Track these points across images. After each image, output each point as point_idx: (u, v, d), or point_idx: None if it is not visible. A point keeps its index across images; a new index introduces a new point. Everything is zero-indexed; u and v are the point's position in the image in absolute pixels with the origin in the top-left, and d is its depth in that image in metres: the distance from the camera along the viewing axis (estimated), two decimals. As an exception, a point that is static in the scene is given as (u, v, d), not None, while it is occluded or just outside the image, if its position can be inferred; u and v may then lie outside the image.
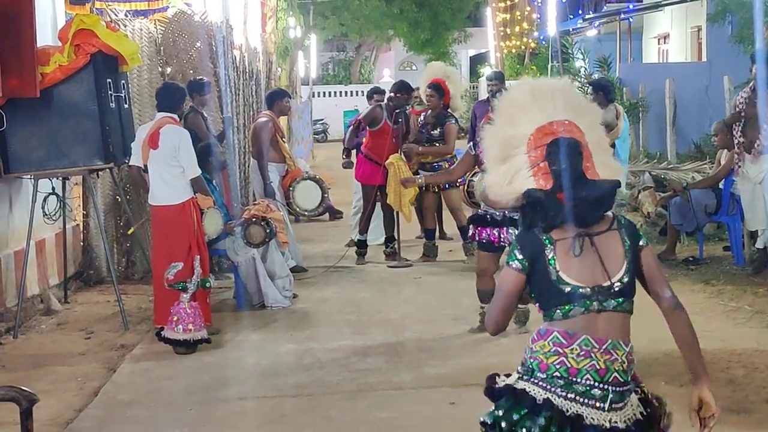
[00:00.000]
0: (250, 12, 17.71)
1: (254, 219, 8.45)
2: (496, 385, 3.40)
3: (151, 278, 8.50)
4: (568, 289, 3.27)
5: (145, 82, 10.12)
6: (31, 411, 3.33)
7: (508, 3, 36.10)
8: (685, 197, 9.83)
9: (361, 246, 10.82)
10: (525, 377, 3.32)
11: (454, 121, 10.81)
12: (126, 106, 8.71)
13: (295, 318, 8.37)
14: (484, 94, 18.11)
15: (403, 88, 10.81)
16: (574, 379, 3.24)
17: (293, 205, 10.23)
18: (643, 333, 7.22)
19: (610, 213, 3.39)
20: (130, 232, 9.13)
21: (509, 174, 3.40)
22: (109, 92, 8.26)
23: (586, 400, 3.23)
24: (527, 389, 3.29)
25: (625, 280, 3.34)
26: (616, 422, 3.25)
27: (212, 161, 8.55)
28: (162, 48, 10.34)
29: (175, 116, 7.74)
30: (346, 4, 32.64)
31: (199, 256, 7.39)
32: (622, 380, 3.29)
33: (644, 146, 17.39)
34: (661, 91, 16.75)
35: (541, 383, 3.27)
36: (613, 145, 9.64)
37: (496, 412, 3.33)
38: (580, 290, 3.27)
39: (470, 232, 7.56)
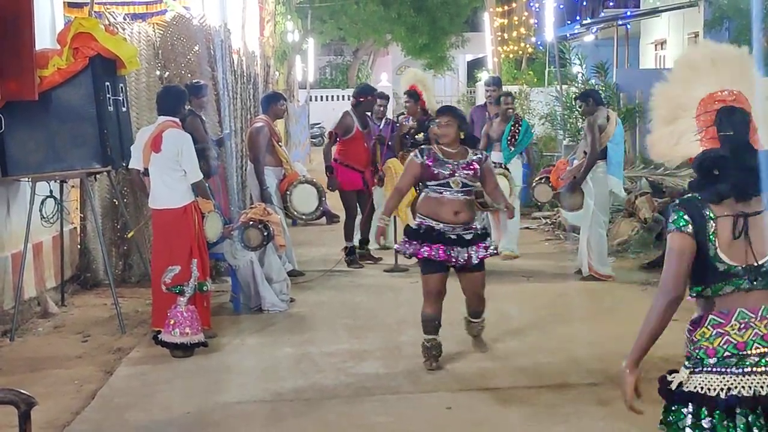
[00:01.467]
0: (249, 16, 17.71)
1: (252, 222, 8.46)
2: (670, 387, 3.43)
3: (148, 282, 8.51)
4: (723, 267, 3.34)
5: (143, 86, 10.12)
6: (30, 414, 3.34)
7: (506, 8, 36.19)
8: (682, 203, 9.83)
9: (351, 253, 10.88)
10: (696, 369, 3.37)
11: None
12: (124, 109, 8.72)
13: (292, 322, 8.37)
14: (481, 99, 18.09)
15: (367, 92, 10.99)
16: (745, 353, 3.29)
17: (290, 208, 10.23)
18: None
19: None
20: (129, 235, 9.13)
21: (675, 135, 3.46)
22: (108, 95, 8.26)
23: (764, 368, 3.27)
24: (706, 389, 3.31)
25: None
26: None
27: (204, 165, 8.55)
28: (160, 51, 10.34)
29: (177, 120, 7.74)
30: (344, 8, 32.66)
31: (196, 260, 7.39)
32: None
33: (641, 152, 17.41)
34: (658, 97, 16.75)
35: (714, 369, 3.31)
36: (605, 149, 9.74)
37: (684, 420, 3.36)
38: (734, 269, 3.33)
39: (409, 249, 6.79)
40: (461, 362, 7.02)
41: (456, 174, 6.78)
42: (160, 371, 6.94)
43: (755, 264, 3.34)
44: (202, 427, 5.81)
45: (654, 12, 23.76)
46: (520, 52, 36.70)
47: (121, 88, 8.65)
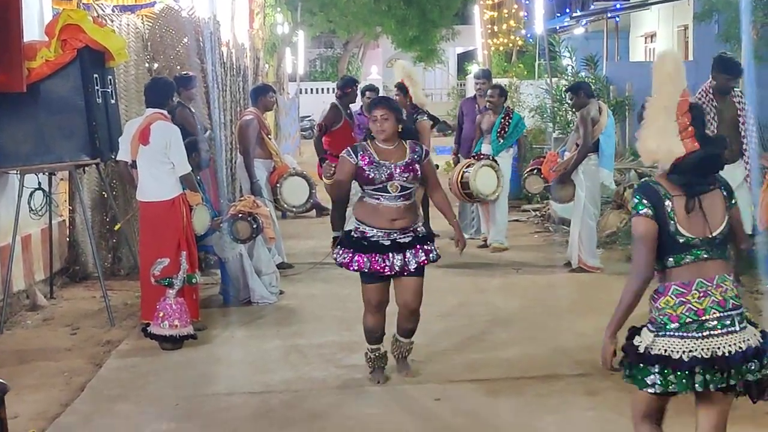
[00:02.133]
0: (238, 8, 17.69)
1: (241, 215, 8.45)
2: (638, 349, 3.91)
3: (137, 274, 8.50)
4: (683, 240, 3.85)
5: (131, 78, 10.10)
6: (3, 400, 3.31)
7: (496, 1, 36.17)
8: (670, 195, 9.84)
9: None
10: (660, 333, 3.86)
11: (425, 117, 10.86)
12: (113, 101, 8.69)
13: (281, 314, 8.38)
14: (471, 92, 18.09)
15: (349, 84, 11.08)
16: (704, 318, 3.81)
17: (280, 201, 10.24)
18: (625, 328, 7.28)
19: None
20: (117, 227, 9.10)
21: (666, 138, 3.87)
22: (96, 87, 8.23)
23: (720, 330, 3.80)
24: (670, 352, 3.81)
25: (726, 231, 3.94)
26: (748, 339, 3.82)
27: (196, 157, 8.55)
28: (149, 44, 10.32)
29: (165, 112, 7.72)
30: (334, 0, 32.61)
31: (185, 252, 7.38)
32: (738, 303, 3.88)
33: (630, 144, 17.44)
34: (648, 89, 16.69)
35: (677, 334, 3.82)
36: (597, 141, 9.76)
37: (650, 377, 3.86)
38: (692, 241, 3.86)
39: (342, 258, 6.18)
40: (450, 354, 7.03)
41: (394, 178, 6.05)
42: (149, 363, 6.94)
43: (709, 236, 3.87)
44: (191, 419, 5.81)
45: (644, 5, 23.79)
46: (510, 45, 36.68)
47: (110, 80, 8.62)
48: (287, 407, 5.99)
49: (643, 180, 4.08)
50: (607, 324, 3.97)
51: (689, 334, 3.78)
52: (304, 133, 32.36)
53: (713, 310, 3.80)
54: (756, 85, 9.54)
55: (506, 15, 36.31)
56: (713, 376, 3.76)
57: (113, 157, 8.33)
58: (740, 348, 3.76)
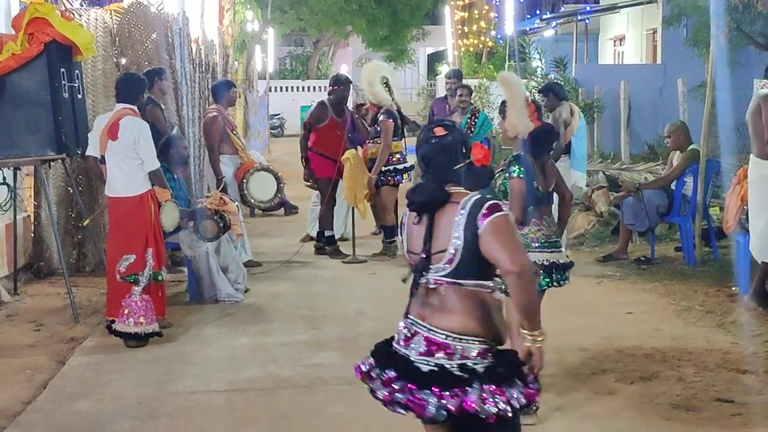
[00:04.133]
0: (208, 4, 17.62)
1: (207, 214, 8.40)
2: None
3: (102, 271, 8.43)
4: (539, 193, 5.79)
5: (99, 73, 10.01)
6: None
7: (467, 1, 36.23)
8: (637, 197, 9.92)
9: (331, 242, 10.83)
10: (528, 250, 5.42)
11: (387, 117, 10.73)
12: (80, 96, 8.60)
13: (248, 312, 8.33)
14: (441, 92, 18.08)
15: (339, 81, 10.98)
16: (550, 240, 5.86)
17: (247, 196, 10.16)
18: (596, 331, 7.31)
19: None
20: (85, 223, 9.00)
21: (523, 119, 5.69)
22: (63, 82, 8.15)
23: (553, 246, 5.92)
24: (535, 260, 5.51)
25: (553, 187, 6.15)
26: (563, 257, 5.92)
27: (173, 154, 8.50)
28: (117, 39, 10.23)
29: (135, 108, 7.66)
30: (305, -2, 32.59)
31: (152, 249, 7.33)
32: (554, 232, 5.99)
33: (598, 146, 17.52)
34: (616, 92, 16.85)
35: (537, 249, 5.74)
36: (569, 143, 9.80)
37: None
38: (542, 193, 5.84)
39: None
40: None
41: None
42: (113, 361, 6.87)
43: (548, 190, 5.86)
44: (155, 417, 5.76)
45: (613, 8, 23.93)
46: (481, 46, 36.75)
47: (77, 74, 8.53)
48: (252, 405, 5.95)
49: (516, 154, 5.68)
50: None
51: (544, 250, 5.71)
52: (273, 131, 32.27)
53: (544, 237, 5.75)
54: (727, 89, 9.62)
55: (477, 16, 36.38)
56: (550, 277, 5.78)
57: (79, 152, 8.26)
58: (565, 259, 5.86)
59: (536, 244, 5.67)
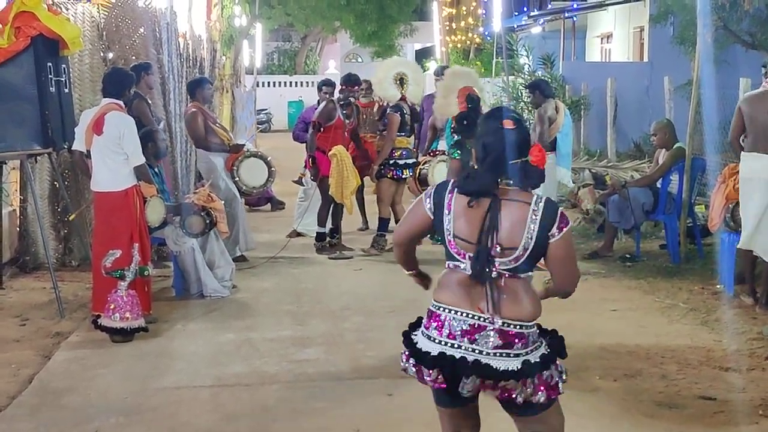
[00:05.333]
0: (196, -1, 17.56)
1: (194, 209, 8.41)
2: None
3: (88, 265, 8.41)
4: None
5: (86, 67, 9.99)
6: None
7: (455, -2, 36.26)
8: (623, 195, 9.95)
9: (320, 239, 10.82)
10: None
11: (395, 111, 10.84)
12: (66, 90, 8.58)
13: (234, 308, 8.34)
14: (430, 88, 18.08)
15: (349, 81, 11.08)
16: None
17: (239, 183, 10.12)
18: (579, 328, 7.34)
19: None
20: (71, 218, 8.98)
21: (453, 103, 7.79)
22: (50, 76, 8.12)
23: None
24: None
25: None
26: None
27: (152, 147, 8.48)
28: (104, 33, 10.21)
29: (121, 103, 7.65)
30: (293, -6, 32.54)
31: (137, 244, 7.32)
32: None
33: (585, 144, 17.60)
34: (603, 89, 16.94)
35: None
36: (554, 140, 9.83)
37: None
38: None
39: None
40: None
41: None
42: (99, 356, 6.87)
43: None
44: (140, 413, 5.76)
45: (601, 6, 24.00)
46: (468, 42, 36.81)
47: (64, 69, 8.50)
48: (237, 401, 5.96)
49: (456, 139, 7.28)
50: None
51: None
52: (260, 126, 32.21)
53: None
54: (714, 88, 9.66)
55: (464, 12, 36.46)
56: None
57: (66, 146, 8.24)
58: None
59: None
